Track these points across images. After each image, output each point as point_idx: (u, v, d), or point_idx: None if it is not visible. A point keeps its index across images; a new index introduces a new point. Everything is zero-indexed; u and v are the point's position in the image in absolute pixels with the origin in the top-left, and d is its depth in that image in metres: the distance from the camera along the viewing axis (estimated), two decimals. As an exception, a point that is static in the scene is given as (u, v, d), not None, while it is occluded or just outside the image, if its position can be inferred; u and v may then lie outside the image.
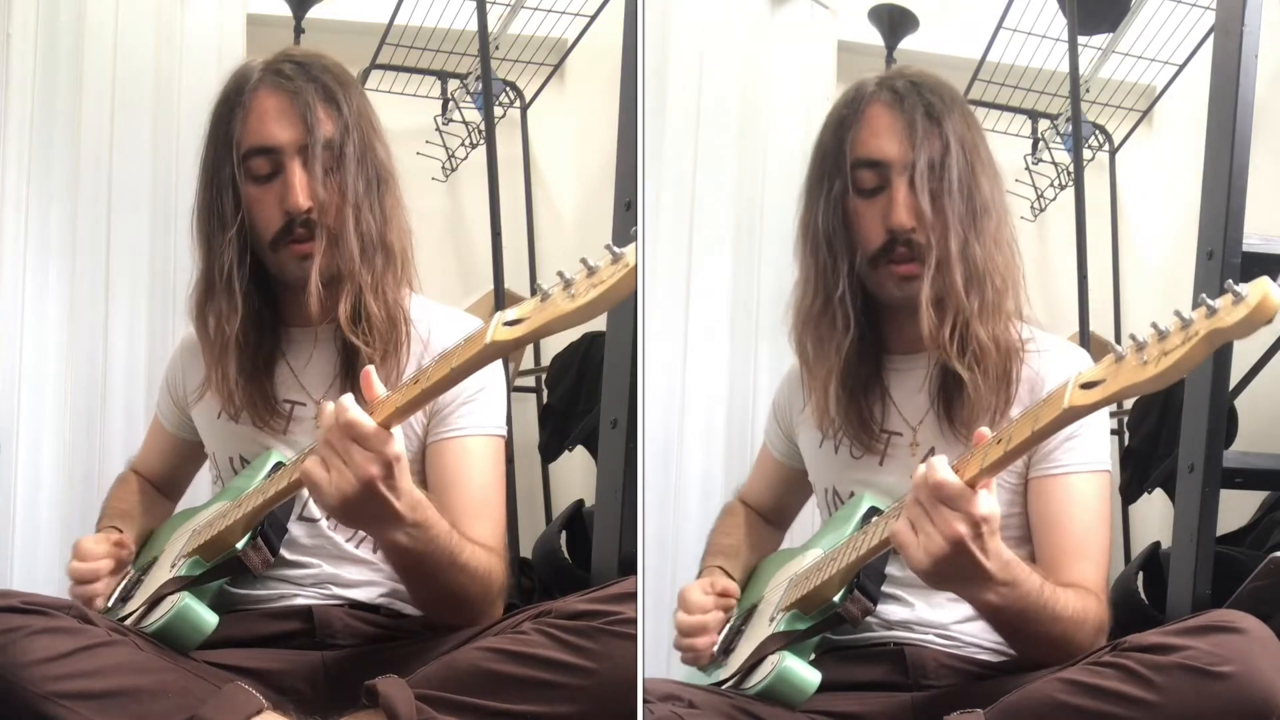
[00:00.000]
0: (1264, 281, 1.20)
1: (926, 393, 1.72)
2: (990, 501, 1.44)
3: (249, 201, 1.74)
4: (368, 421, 1.46)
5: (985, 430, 1.46)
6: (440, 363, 1.45)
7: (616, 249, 1.32)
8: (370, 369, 1.52)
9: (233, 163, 1.74)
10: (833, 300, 1.72)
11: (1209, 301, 1.22)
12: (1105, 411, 1.73)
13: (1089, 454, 1.68)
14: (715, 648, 1.72)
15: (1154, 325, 1.26)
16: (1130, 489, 2.70)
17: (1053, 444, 1.66)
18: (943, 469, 1.43)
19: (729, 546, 1.91)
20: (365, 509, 1.50)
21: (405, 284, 1.78)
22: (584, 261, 1.35)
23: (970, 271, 1.66)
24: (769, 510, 1.99)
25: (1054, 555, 1.65)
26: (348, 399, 1.48)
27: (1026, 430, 1.39)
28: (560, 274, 1.35)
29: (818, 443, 1.81)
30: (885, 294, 1.72)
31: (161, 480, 1.99)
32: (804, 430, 1.86)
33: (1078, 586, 1.60)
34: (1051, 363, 1.70)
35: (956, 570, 1.45)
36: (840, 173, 1.71)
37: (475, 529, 1.68)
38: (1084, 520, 1.66)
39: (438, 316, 1.81)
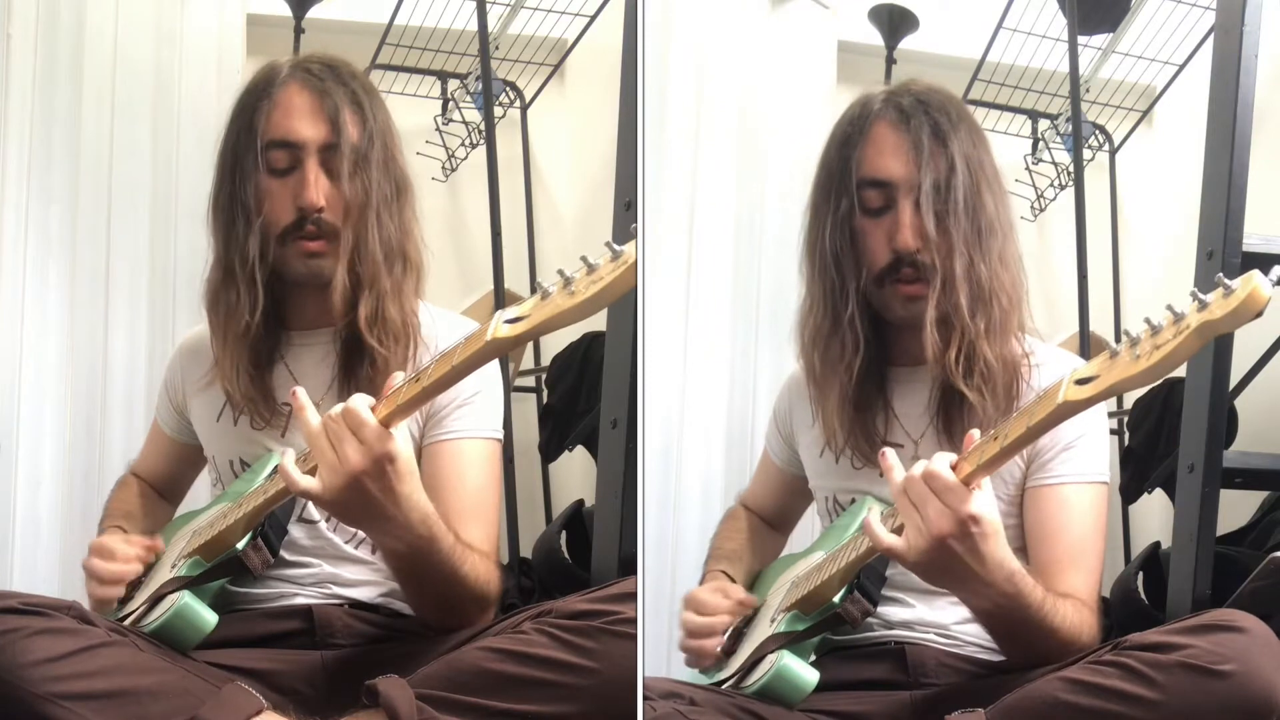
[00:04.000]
0: (1253, 274, 1.22)
1: (928, 407, 1.72)
2: (983, 502, 1.43)
3: (264, 193, 1.75)
4: (367, 413, 1.47)
5: (974, 433, 1.46)
6: (441, 361, 1.45)
7: (616, 246, 1.33)
8: (399, 374, 1.51)
9: (255, 153, 1.74)
10: (842, 321, 1.71)
11: (1200, 295, 1.23)
12: (1104, 421, 1.74)
13: (1086, 465, 1.68)
14: (719, 650, 1.72)
15: (1147, 320, 1.27)
16: (1130, 489, 2.70)
17: (1050, 454, 1.67)
18: (938, 461, 1.44)
19: (732, 551, 1.91)
20: (355, 507, 1.50)
21: (419, 296, 1.80)
22: (584, 259, 1.35)
23: (976, 292, 1.66)
24: (771, 515, 1.99)
25: (1047, 565, 1.65)
26: (359, 395, 1.49)
27: (1021, 427, 1.39)
28: (560, 272, 1.36)
29: (819, 452, 1.81)
30: (891, 313, 1.72)
31: (161, 483, 1.99)
32: (804, 439, 1.86)
33: (1072, 598, 1.60)
34: (1048, 375, 1.69)
35: (944, 569, 1.46)
36: (847, 192, 1.70)
37: (469, 532, 1.68)
38: (1078, 531, 1.66)
39: (443, 321, 1.82)
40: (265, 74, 1.80)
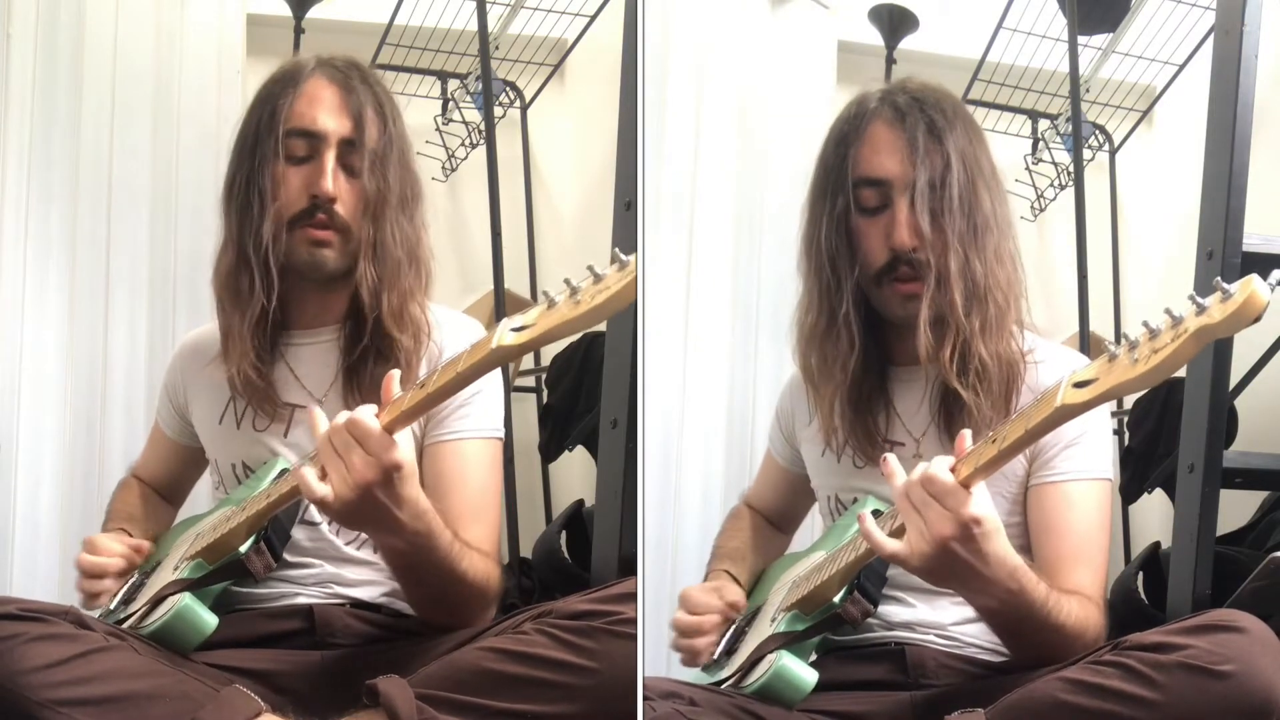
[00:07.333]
0: (1251, 279, 1.21)
1: (928, 406, 1.72)
2: (983, 502, 1.43)
3: (278, 179, 1.76)
4: (372, 422, 1.47)
5: (966, 434, 1.46)
6: (446, 368, 1.45)
7: (623, 255, 1.32)
8: (395, 373, 1.51)
9: (275, 139, 1.75)
10: (837, 318, 1.72)
11: (1198, 299, 1.23)
12: (1106, 419, 1.74)
13: (1088, 462, 1.68)
14: (719, 650, 1.72)
15: (1145, 324, 1.27)
16: (1130, 489, 2.70)
17: (1052, 452, 1.67)
18: (937, 465, 1.44)
19: (734, 550, 1.91)
20: (363, 514, 1.50)
21: (428, 297, 1.81)
22: (591, 268, 1.35)
23: (971, 290, 1.66)
24: (774, 514, 1.99)
25: (1052, 562, 1.65)
26: (364, 406, 1.49)
27: (1019, 430, 1.38)
28: (567, 281, 1.36)
29: (820, 451, 1.81)
30: (889, 312, 1.72)
31: (163, 486, 2.00)
32: (806, 439, 1.86)
33: (1078, 594, 1.60)
34: (1049, 374, 1.69)
35: (948, 571, 1.46)
36: (843, 190, 1.70)
37: (470, 532, 1.68)
38: (1082, 527, 1.66)
39: (448, 321, 1.82)
40: (291, 66, 1.82)
